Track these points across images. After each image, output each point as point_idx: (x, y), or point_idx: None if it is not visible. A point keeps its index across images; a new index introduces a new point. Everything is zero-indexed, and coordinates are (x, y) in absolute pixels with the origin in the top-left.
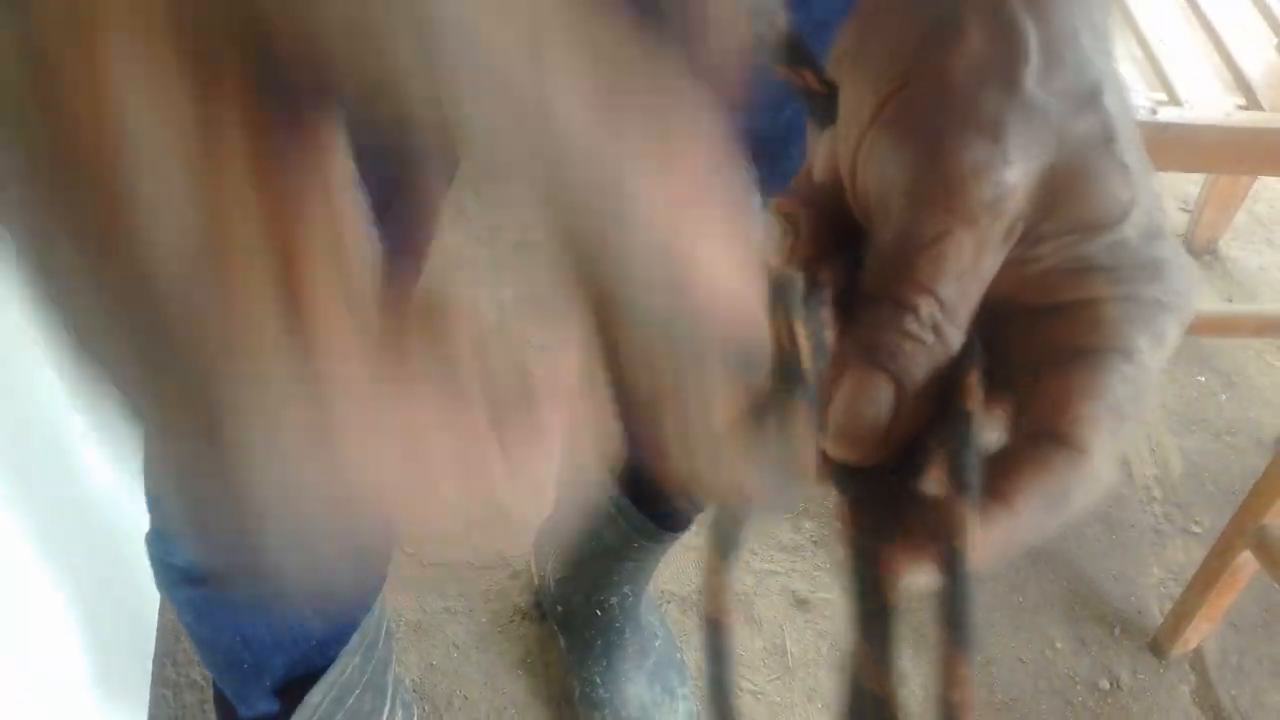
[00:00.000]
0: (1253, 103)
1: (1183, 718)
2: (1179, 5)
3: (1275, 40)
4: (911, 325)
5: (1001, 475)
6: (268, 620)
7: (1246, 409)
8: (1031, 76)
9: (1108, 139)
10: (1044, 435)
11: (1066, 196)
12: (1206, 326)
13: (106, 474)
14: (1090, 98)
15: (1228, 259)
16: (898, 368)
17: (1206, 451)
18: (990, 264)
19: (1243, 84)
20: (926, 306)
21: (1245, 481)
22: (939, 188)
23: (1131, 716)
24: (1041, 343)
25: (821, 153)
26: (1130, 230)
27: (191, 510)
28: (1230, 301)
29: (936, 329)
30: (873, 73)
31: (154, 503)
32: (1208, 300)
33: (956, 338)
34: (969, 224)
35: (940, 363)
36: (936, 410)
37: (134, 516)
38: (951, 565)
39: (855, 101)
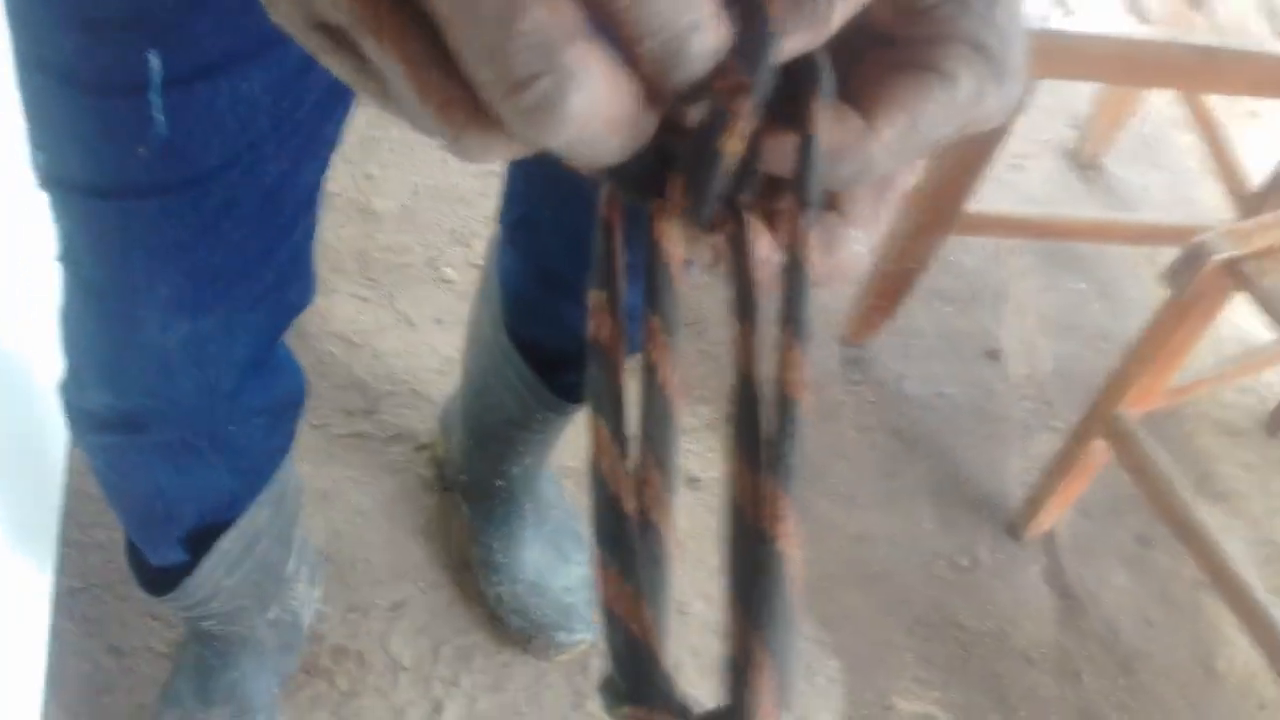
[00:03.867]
0: (1140, 16)
1: (1033, 594)
2: None
3: None
4: None
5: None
6: (179, 469)
7: (1118, 317)
8: None
9: None
10: (846, 102)
11: None
12: (1083, 232)
13: (15, 332)
14: None
15: (1112, 175)
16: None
17: (1077, 355)
18: None
19: (1136, 7)
20: None
21: None
22: None
23: (987, 591)
24: (882, 57)
25: None
26: None
27: (102, 349)
28: None
29: None
30: None
31: (68, 345)
32: (1088, 211)
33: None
34: None
35: (845, 15)
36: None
37: (44, 376)
38: (793, 271)
39: None
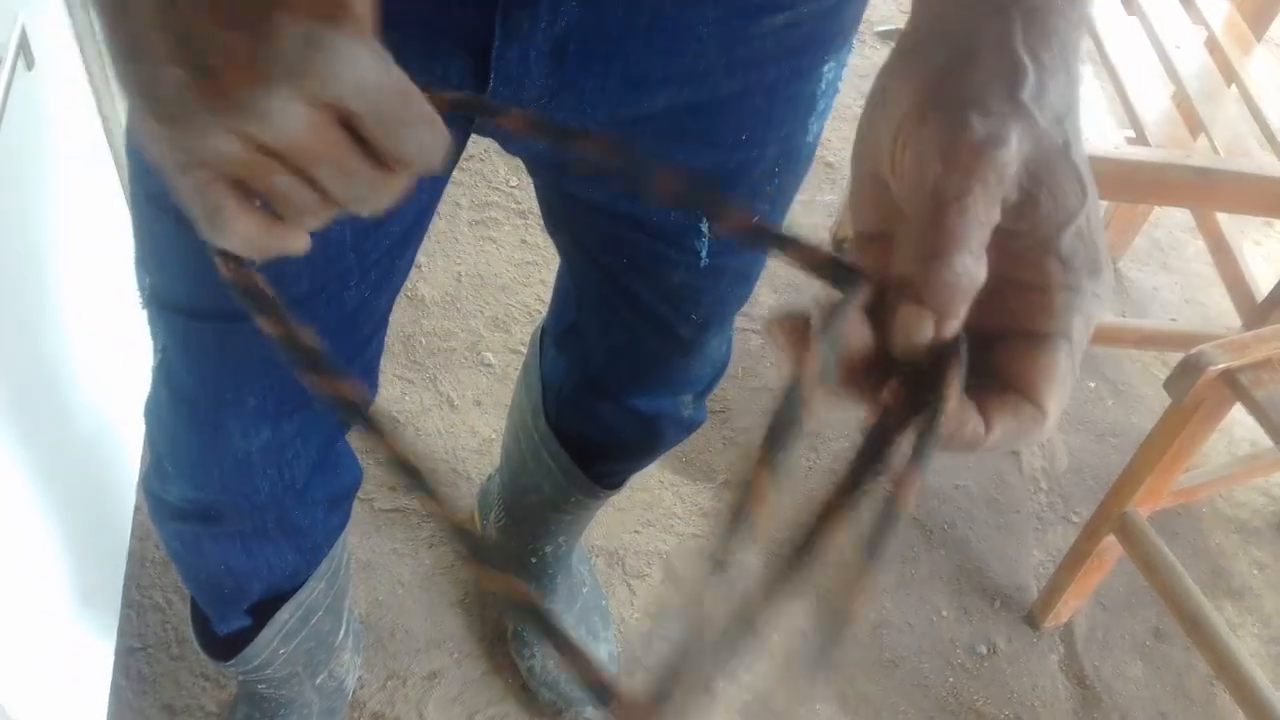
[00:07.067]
0: (1141, 138)
1: (1050, 683)
2: (1086, 46)
3: (1171, 88)
4: (947, 274)
5: (983, 407)
6: (248, 552)
7: (1129, 414)
8: (1028, 93)
9: (1066, 147)
10: (1015, 391)
11: (1039, 183)
12: (1097, 336)
13: (97, 413)
14: (1061, 118)
15: (1126, 278)
16: (938, 305)
17: (1090, 450)
18: (994, 218)
19: (1134, 119)
20: (960, 257)
21: None
22: (962, 152)
23: (1004, 679)
24: (1004, 317)
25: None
26: (1084, 220)
27: (188, 450)
28: (1124, 317)
29: (967, 272)
30: (909, 86)
31: (154, 442)
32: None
33: (982, 272)
34: (983, 181)
35: (972, 295)
36: (927, 383)
37: (116, 450)
38: (890, 511)
39: (895, 107)
